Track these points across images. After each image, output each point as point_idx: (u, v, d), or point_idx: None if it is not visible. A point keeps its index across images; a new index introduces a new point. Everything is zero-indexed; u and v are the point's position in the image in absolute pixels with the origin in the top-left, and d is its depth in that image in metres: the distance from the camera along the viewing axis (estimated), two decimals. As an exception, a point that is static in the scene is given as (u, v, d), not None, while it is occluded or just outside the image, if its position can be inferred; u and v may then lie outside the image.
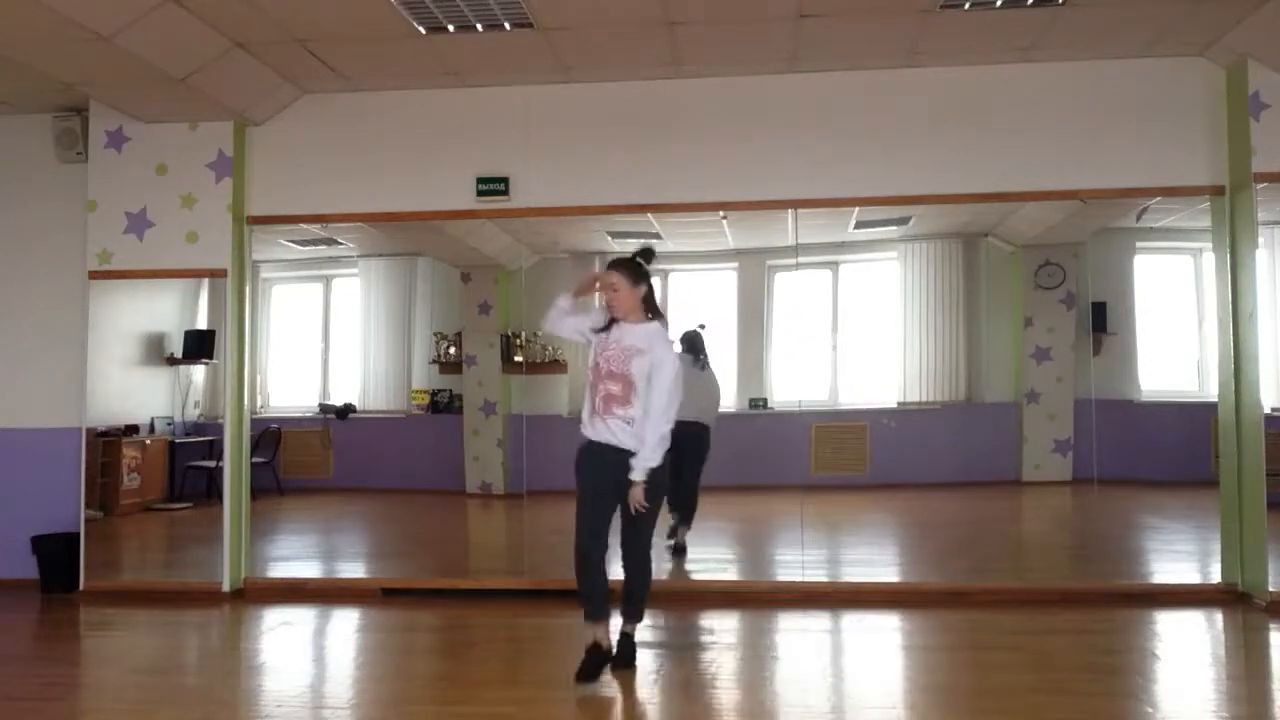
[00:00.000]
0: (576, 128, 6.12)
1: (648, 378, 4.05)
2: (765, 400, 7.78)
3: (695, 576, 6.32)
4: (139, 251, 6.23)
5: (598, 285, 4.24)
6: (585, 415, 4.18)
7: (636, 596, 4.32)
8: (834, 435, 7.80)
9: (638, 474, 4.04)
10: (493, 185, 6.11)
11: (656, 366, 4.05)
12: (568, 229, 7.51)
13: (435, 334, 8.42)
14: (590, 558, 4.10)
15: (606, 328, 4.20)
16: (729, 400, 7.55)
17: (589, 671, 4.09)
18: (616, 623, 4.32)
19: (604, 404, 4.09)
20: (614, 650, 4.23)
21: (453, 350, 8.33)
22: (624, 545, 4.26)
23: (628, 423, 4.07)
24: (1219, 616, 5.30)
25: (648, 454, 4.03)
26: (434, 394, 8.34)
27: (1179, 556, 6.75)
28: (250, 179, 6.31)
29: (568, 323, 4.31)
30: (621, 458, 4.05)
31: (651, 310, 4.19)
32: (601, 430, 4.10)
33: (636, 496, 4.05)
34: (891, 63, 5.89)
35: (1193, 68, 5.76)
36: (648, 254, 4.26)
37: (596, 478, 4.13)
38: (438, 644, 5.24)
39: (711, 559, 6.79)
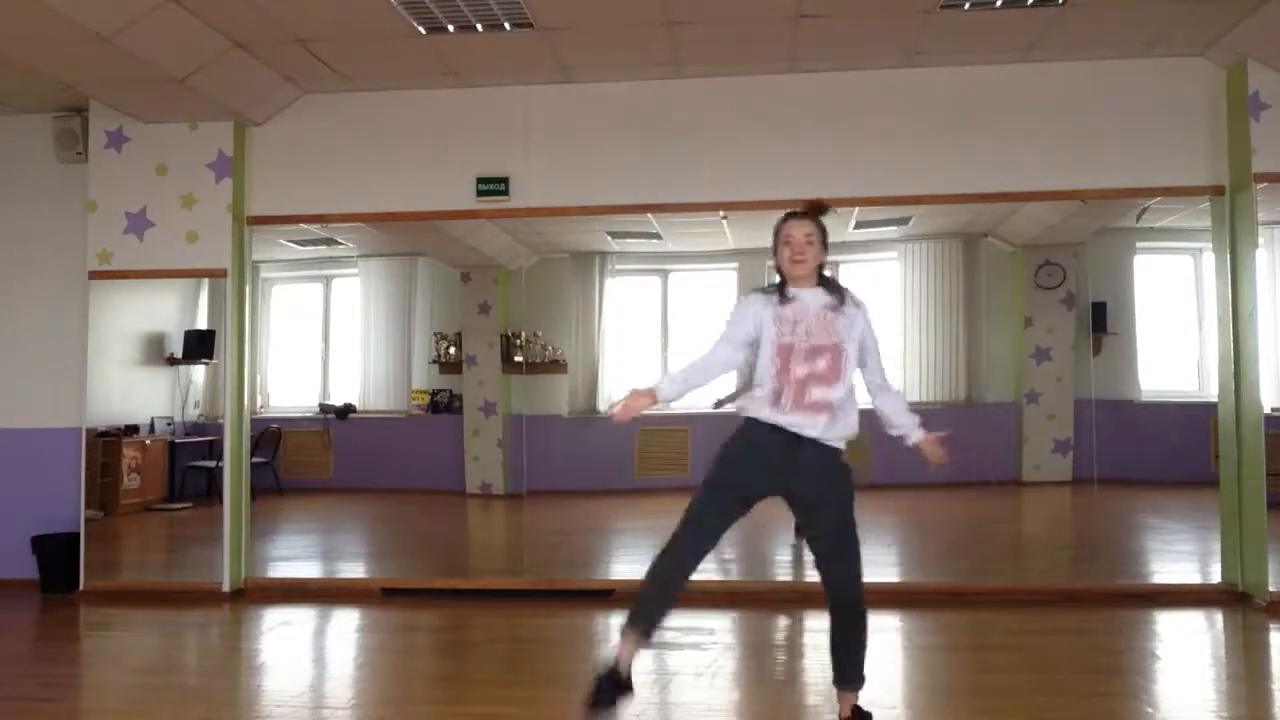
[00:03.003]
0: (576, 128, 6.12)
1: (858, 342, 3.35)
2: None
3: (695, 576, 6.30)
4: (139, 251, 6.23)
5: (785, 240, 3.32)
6: (760, 397, 3.28)
7: (856, 648, 3.37)
8: (834, 435, 7.78)
9: (916, 435, 3.46)
10: (493, 185, 6.11)
11: (866, 323, 3.38)
12: (568, 229, 7.51)
13: (435, 334, 8.42)
14: (686, 567, 3.33)
15: (781, 299, 3.33)
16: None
17: (602, 698, 3.23)
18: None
19: (800, 388, 3.24)
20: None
21: (453, 350, 8.33)
22: (829, 584, 3.35)
23: (826, 409, 3.27)
24: (1219, 616, 5.30)
25: (914, 420, 3.47)
26: (434, 394, 8.34)
27: (1179, 556, 6.75)
28: (250, 179, 6.31)
29: (741, 353, 3.36)
30: (798, 450, 3.26)
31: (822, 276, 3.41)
32: (791, 417, 3.25)
33: (935, 451, 3.45)
34: (891, 63, 5.88)
35: (1193, 68, 5.75)
36: (824, 208, 3.43)
37: (750, 470, 3.29)
38: (438, 644, 5.24)
39: (711, 559, 6.78)
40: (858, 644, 3.36)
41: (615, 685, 3.25)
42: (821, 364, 3.27)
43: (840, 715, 3.42)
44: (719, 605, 5.53)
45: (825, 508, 3.33)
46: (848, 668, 3.38)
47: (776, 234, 3.38)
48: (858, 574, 3.35)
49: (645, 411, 3.33)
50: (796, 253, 3.31)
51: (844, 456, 3.37)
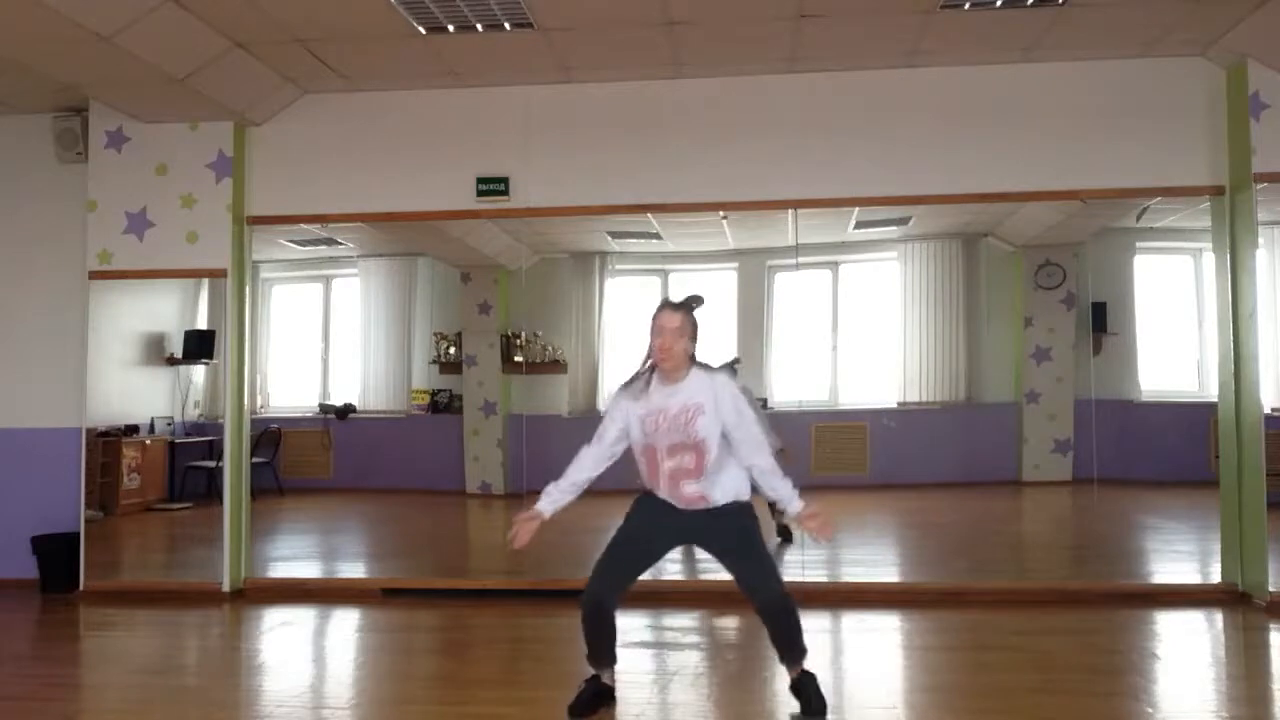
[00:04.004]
0: (576, 128, 6.12)
1: (721, 433, 3.53)
2: (765, 400, 7.78)
3: (698, 577, 6.31)
4: (139, 251, 6.23)
5: (657, 330, 3.53)
6: (646, 481, 3.67)
7: (787, 640, 3.63)
8: (834, 435, 7.80)
9: (794, 508, 3.57)
10: (493, 185, 6.11)
11: (731, 408, 3.54)
12: (568, 229, 7.51)
13: (435, 334, 8.42)
14: (603, 607, 3.59)
15: (643, 392, 3.59)
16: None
17: (584, 704, 3.69)
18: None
19: (671, 482, 3.57)
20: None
21: (453, 350, 8.33)
22: (750, 595, 3.61)
23: (700, 499, 3.57)
24: (1219, 616, 5.30)
25: (791, 494, 3.57)
26: (434, 394, 8.34)
27: (1179, 556, 6.75)
28: (250, 179, 6.31)
29: (619, 446, 3.66)
30: (693, 518, 3.60)
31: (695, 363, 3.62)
32: (675, 498, 3.61)
33: (814, 526, 3.53)
34: (891, 63, 5.88)
35: (1193, 68, 5.75)
36: (698, 301, 3.66)
37: (653, 524, 3.62)
38: (438, 644, 5.24)
39: (711, 559, 6.78)
40: (792, 633, 3.60)
41: (597, 693, 3.72)
42: (687, 459, 3.53)
43: (791, 677, 3.69)
44: (719, 605, 5.53)
45: (726, 537, 3.61)
46: (790, 651, 3.64)
47: (652, 322, 3.56)
48: (772, 575, 3.60)
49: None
50: (664, 348, 3.50)
51: (739, 505, 3.64)
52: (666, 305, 3.59)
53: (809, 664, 3.71)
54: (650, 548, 3.67)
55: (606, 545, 3.66)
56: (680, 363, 3.55)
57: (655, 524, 3.64)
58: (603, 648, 3.70)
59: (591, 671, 3.79)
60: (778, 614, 3.57)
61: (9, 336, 6.59)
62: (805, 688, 3.65)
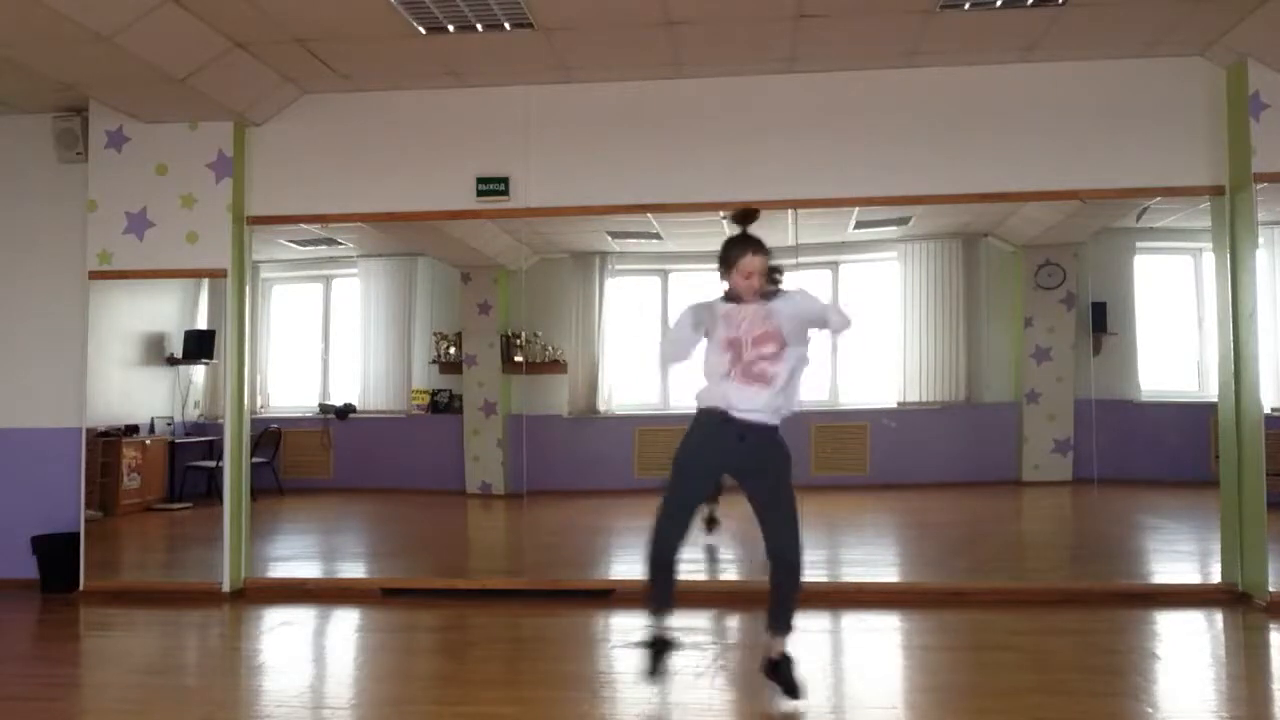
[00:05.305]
0: (576, 128, 6.12)
1: (798, 319, 3.77)
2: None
3: (696, 577, 6.32)
4: (139, 251, 6.23)
5: (746, 273, 3.78)
6: (712, 384, 3.79)
7: (787, 605, 3.83)
8: (834, 435, 7.80)
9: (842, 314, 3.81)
10: (493, 185, 6.11)
11: (800, 302, 3.79)
12: (568, 229, 7.51)
13: (435, 334, 8.42)
14: (667, 557, 3.81)
15: (727, 304, 3.86)
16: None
17: (656, 663, 3.94)
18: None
19: (747, 368, 3.73)
20: (779, 672, 3.86)
21: (453, 350, 8.33)
22: (768, 543, 3.82)
23: (770, 381, 3.73)
24: (1219, 616, 5.30)
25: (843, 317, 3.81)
26: (434, 394, 8.34)
27: (1179, 556, 6.75)
28: (250, 179, 6.31)
29: (698, 334, 3.90)
30: (753, 438, 3.75)
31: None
32: (738, 396, 3.73)
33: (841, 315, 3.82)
34: (891, 63, 5.88)
35: (1193, 68, 5.75)
36: (750, 216, 3.90)
37: (706, 460, 3.82)
38: (438, 644, 5.24)
39: (712, 562, 6.79)
40: (790, 598, 3.82)
41: (658, 648, 3.93)
42: (768, 348, 3.75)
43: (768, 655, 3.87)
44: (719, 605, 5.53)
45: (764, 474, 3.80)
46: (778, 616, 3.83)
47: (734, 263, 3.79)
48: (796, 537, 3.80)
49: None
50: (753, 289, 3.78)
51: (781, 434, 3.85)
52: (750, 250, 3.79)
53: (793, 652, 3.86)
54: (711, 474, 3.89)
55: (665, 496, 3.82)
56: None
57: (708, 461, 3.83)
58: (668, 596, 3.89)
59: (651, 633, 3.95)
60: (791, 576, 3.79)
61: (9, 336, 6.58)
62: (784, 669, 3.83)
